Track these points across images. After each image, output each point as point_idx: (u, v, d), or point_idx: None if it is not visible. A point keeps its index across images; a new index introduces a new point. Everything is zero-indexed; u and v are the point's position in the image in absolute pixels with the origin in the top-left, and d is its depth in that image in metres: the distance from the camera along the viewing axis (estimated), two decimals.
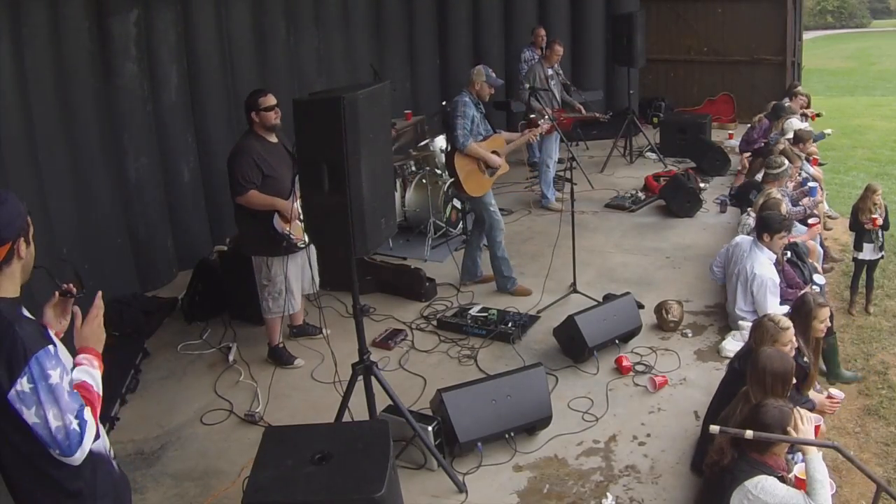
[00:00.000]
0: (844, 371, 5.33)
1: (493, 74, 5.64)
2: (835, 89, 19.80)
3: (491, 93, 5.67)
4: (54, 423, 2.04)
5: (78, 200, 5.46)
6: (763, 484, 2.89)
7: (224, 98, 6.70)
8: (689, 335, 5.26)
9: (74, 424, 2.06)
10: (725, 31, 11.18)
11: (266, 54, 7.18)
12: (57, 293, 2.30)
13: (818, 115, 9.20)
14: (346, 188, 3.27)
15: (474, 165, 5.62)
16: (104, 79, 5.67)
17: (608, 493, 3.74)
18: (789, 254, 5.48)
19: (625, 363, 4.81)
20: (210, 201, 6.69)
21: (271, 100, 4.60)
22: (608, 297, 5.37)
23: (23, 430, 2.06)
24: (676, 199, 7.53)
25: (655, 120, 10.40)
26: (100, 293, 2.34)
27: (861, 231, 6.49)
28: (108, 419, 4.28)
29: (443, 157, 7.27)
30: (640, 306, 5.37)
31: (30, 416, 2.03)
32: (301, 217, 4.55)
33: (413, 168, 7.35)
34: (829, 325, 4.35)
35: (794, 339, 3.80)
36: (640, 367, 4.84)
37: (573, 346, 4.89)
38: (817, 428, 3.50)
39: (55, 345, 2.13)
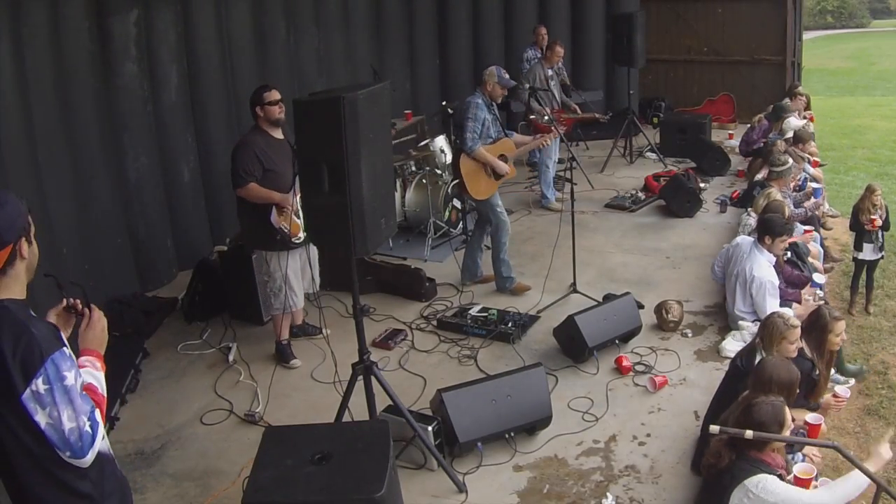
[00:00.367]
0: (849, 365, 5.32)
1: (506, 76, 5.65)
2: (835, 89, 19.81)
3: (504, 94, 5.67)
4: (68, 424, 2.03)
5: (78, 200, 5.46)
6: (763, 483, 2.89)
7: (224, 98, 6.70)
8: (689, 335, 5.25)
9: (87, 426, 2.07)
10: (725, 31, 11.18)
11: (266, 54, 7.18)
12: (65, 300, 2.30)
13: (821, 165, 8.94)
14: (346, 188, 3.27)
15: (479, 167, 5.61)
16: (104, 79, 5.67)
17: (608, 493, 3.74)
18: (789, 254, 5.48)
19: (625, 363, 4.81)
20: (210, 201, 6.69)
21: (275, 94, 4.68)
22: (608, 297, 5.37)
23: (35, 433, 2.05)
24: (676, 199, 7.53)
25: (655, 120, 10.40)
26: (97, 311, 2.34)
27: (861, 231, 6.49)
28: (108, 419, 4.27)
29: (443, 157, 7.28)
30: (640, 306, 5.37)
31: (42, 416, 2.02)
32: (299, 213, 4.59)
33: (413, 168, 7.35)
34: (845, 337, 4.33)
35: (800, 339, 3.81)
36: (640, 367, 4.84)
37: (573, 346, 4.89)
38: (818, 427, 3.52)
39: (67, 346, 2.14)
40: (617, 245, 6.92)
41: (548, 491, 3.80)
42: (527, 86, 7.31)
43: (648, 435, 4.21)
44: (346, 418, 3.83)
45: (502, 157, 5.67)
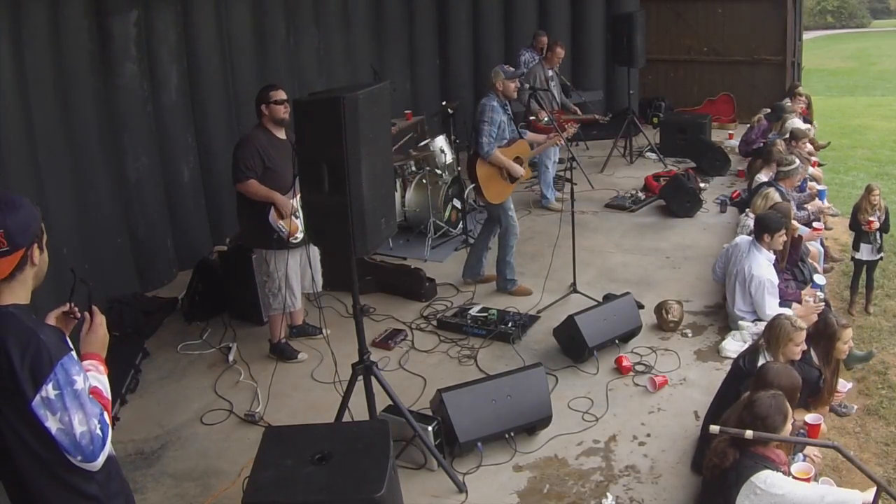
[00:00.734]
0: (855, 351, 5.29)
1: (511, 68, 5.69)
2: (835, 89, 19.81)
3: (516, 86, 5.65)
4: (79, 428, 2.03)
5: (78, 200, 5.46)
6: (770, 479, 2.90)
7: (224, 98, 6.70)
8: (689, 335, 5.26)
9: (98, 429, 2.07)
10: (725, 31, 11.18)
11: (266, 54, 7.18)
12: (67, 305, 2.29)
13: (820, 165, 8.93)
14: (346, 188, 3.27)
15: (495, 171, 5.60)
16: (104, 79, 5.67)
17: (608, 493, 3.74)
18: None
19: (625, 363, 4.81)
20: (210, 201, 6.69)
21: (281, 94, 4.70)
22: (608, 297, 5.37)
23: (43, 438, 2.05)
24: (676, 199, 7.53)
25: (655, 120, 10.40)
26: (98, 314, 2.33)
27: (859, 232, 6.50)
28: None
29: (443, 157, 7.28)
30: (640, 306, 5.37)
31: (53, 422, 2.02)
32: (297, 213, 4.59)
33: (413, 168, 7.35)
34: (852, 344, 4.34)
35: (807, 346, 3.81)
36: (640, 367, 4.84)
37: (573, 346, 4.89)
38: (818, 427, 3.52)
39: (73, 350, 2.14)
40: (617, 245, 6.92)
41: (548, 491, 3.80)
42: (527, 86, 7.31)
43: (648, 435, 4.21)
44: (346, 418, 3.83)
45: (517, 160, 5.67)
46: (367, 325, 4.85)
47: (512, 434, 4.08)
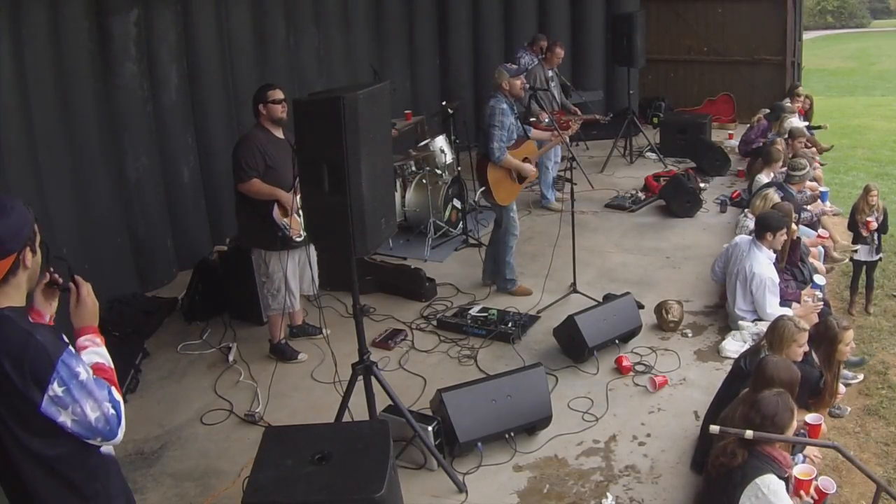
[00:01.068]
0: (850, 357, 5.31)
1: (512, 66, 5.71)
2: (835, 89, 19.81)
3: (522, 83, 5.63)
4: (93, 414, 2.06)
5: (78, 200, 5.45)
6: (773, 486, 2.90)
7: (224, 98, 6.70)
8: (689, 335, 5.26)
9: (111, 409, 2.10)
10: (725, 31, 11.17)
11: (266, 54, 7.18)
12: (47, 275, 2.27)
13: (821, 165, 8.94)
14: (346, 188, 3.27)
15: (505, 173, 5.60)
16: (104, 79, 5.67)
17: (608, 493, 3.74)
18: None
19: (625, 363, 4.81)
20: (210, 201, 6.69)
21: (279, 94, 4.68)
22: (608, 297, 5.37)
23: (48, 437, 2.06)
24: (676, 199, 7.53)
25: (655, 120, 10.40)
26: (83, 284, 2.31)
27: (857, 233, 6.50)
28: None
29: (443, 158, 7.28)
30: (640, 306, 5.37)
31: (66, 416, 2.04)
32: (299, 212, 4.58)
33: (413, 168, 7.35)
34: (854, 346, 4.36)
35: (809, 348, 3.82)
36: (640, 367, 4.84)
37: (573, 346, 4.89)
38: (818, 427, 3.52)
39: (69, 343, 2.14)
40: (617, 245, 6.92)
41: (548, 491, 3.80)
42: (527, 86, 7.31)
43: (648, 435, 4.21)
44: (346, 418, 3.83)
45: (525, 160, 5.67)
46: (367, 325, 4.85)
47: (512, 434, 4.08)
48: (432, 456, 3.83)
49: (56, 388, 2.01)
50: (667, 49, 11.44)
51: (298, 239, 4.68)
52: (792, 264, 5.51)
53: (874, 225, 6.37)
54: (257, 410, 4.50)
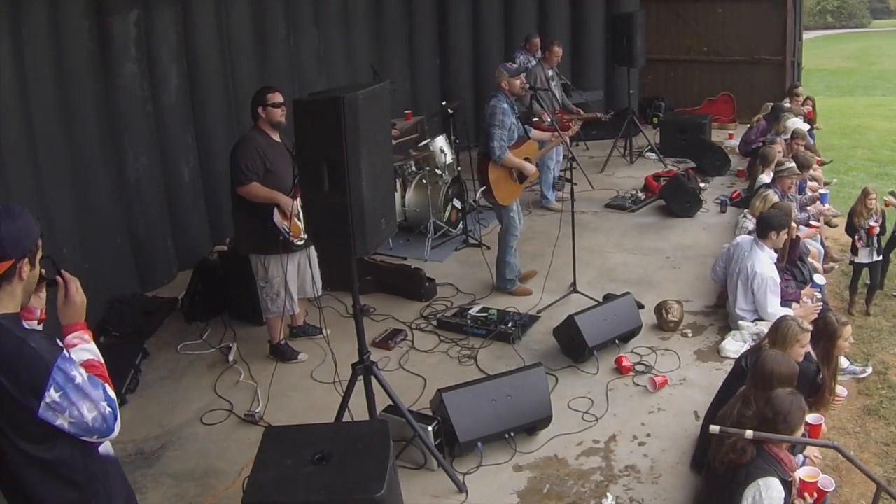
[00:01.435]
0: (855, 367, 5.32)
1: (512, 65, 5.71)
2: (835, 89, 19.82)
3: (521, 82, 5.63)
4: (89, 414, 2.07)
5: (78, 200, 5.45)
6: (774, 491, 2.90)
7: (224, 98, 6.69)
8: (689, 335, 5.26)
9: (107, 408, 2.11)
10: (725, 31, 11.19)
11: (266, 54, 7.18)
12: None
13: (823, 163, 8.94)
14: (346, 188, 3.27)
15: (506, 173, 5.60)
16: (104, 79, 5.66)
17: (608, 493, 3.74)
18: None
19: (625, 363, 4.81)
20: (210, 201, 6.69)
21: (279, 97, 4.64)
22: (608, 297, 5.37)
23: (46, 441, 2.07)
24: (676, 199, 7.53)
25: (655, 120, 10.41)
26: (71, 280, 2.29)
27: (854, 237, 6.49)
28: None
29: (443, 158, 7.28)
30: (640, 306, 5.37)
31: (63, 419, 2.05)
32: (299, 215, 4.56)
33: (413, 168, 7.35)
34: (852, 340, 4.37)
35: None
36: (640, 367, 4.84)
37: (573, 346, 4.89)
38: (818, 428, 3.52)
39: (64, 347, 2.14)
40: (617, 245, 6.92)
41: (548, 491, 3.80)
42: (527, 86, 7.31)
43: (648, 435, 4.21)
44: (346, 418, 3.83)
45: (526, 160, 5.66)
46: (367, 325, 4.85)
47: (512, 434, 4.08)
48: (432, 456, 3.83)
49: (53, 394, 2.02)
50: (667, 49, 11.44)
51: (299, 242, 4.66)
52: (791, 263, 5.51)
53: (877, 230, 6.35)
54: (257, 410, 4.50)
